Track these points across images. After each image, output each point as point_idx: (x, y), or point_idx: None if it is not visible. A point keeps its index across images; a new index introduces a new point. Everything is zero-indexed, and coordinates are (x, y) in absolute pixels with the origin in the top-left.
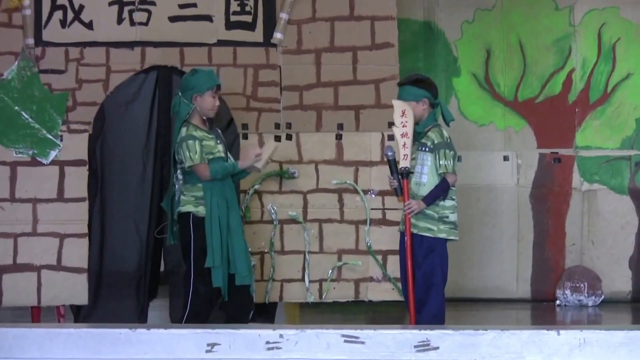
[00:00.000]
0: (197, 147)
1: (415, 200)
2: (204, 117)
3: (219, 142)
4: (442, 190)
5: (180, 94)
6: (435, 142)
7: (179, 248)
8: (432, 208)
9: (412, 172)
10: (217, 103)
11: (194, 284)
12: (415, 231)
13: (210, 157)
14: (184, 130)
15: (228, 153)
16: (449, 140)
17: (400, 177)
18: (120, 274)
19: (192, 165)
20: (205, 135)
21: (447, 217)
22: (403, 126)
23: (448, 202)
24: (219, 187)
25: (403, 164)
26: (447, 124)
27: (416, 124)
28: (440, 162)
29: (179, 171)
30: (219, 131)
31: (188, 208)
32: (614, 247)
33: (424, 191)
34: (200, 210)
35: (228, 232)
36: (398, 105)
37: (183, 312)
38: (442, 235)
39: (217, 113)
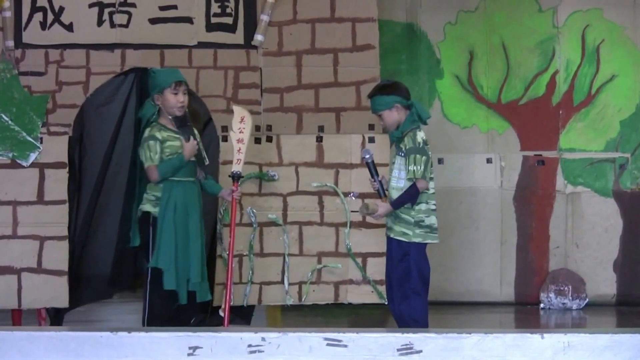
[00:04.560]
0: (157, 147)
1: (384, 204)
2: (170, 117)
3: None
4: (409, 195)
5: (149, 97)
6: (408, 147)
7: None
8: (407, 212)
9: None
10: (181, 99)
11: (151, 285)
12: (391, 235)
13: (175, 157)
14: (147, 131)
15: (204, 153)
16: (421, 144)
17: (380, 178)
18: (98, 277)
19: (147, 166)
20: (171, 136)
21: (423, 220)
22: (240, 132)
23: (422, 206)
24: (179, 189)
25: (235, 168)
26: (424, 123)
27: (396, 129)
28: (409, 168)
29: None
30: (195, 131)
31: (147, 207)
32: (598, 250)
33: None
34: (158, 210)
35: (187, 236)
36: (238, 111)
37: (144, 314)
38: (417, 240)
39: (194, 112)
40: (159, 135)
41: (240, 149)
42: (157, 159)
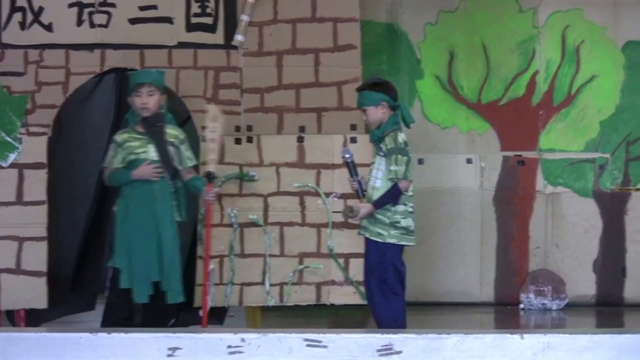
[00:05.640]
0: (111, 150)
1: (366, 205)
2: (139, 118)
3: (151, 144)
4: (391, 196)
5: None
6: (389, 147)
7: None
8: (383, 213)
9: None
10: (144, 101)
11: (110, 282)
12: (367, 235)
13: (133, 157)
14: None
15: (189, 153)
16: (402, 145)
17: (359, 177)
18: (80, 278)
19: (104, 167)
20: (132, 137)
21: (399, 222)
22: (212, 131)
23: (400, 207)
24: (135, 190)
25: (209, 168)
26: (408, 126)
27: (377, 128)
28: (391, 168)
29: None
30: (173, 131)
31: (116, 205)
32: (578, 250)
33: (378, 195)
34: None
35: (145, 236)
36: (212, 110)
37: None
38: (392, 241)
39: (174, 110)
40: (119, 137)
41: (213, 149)
42: (106, 161)
